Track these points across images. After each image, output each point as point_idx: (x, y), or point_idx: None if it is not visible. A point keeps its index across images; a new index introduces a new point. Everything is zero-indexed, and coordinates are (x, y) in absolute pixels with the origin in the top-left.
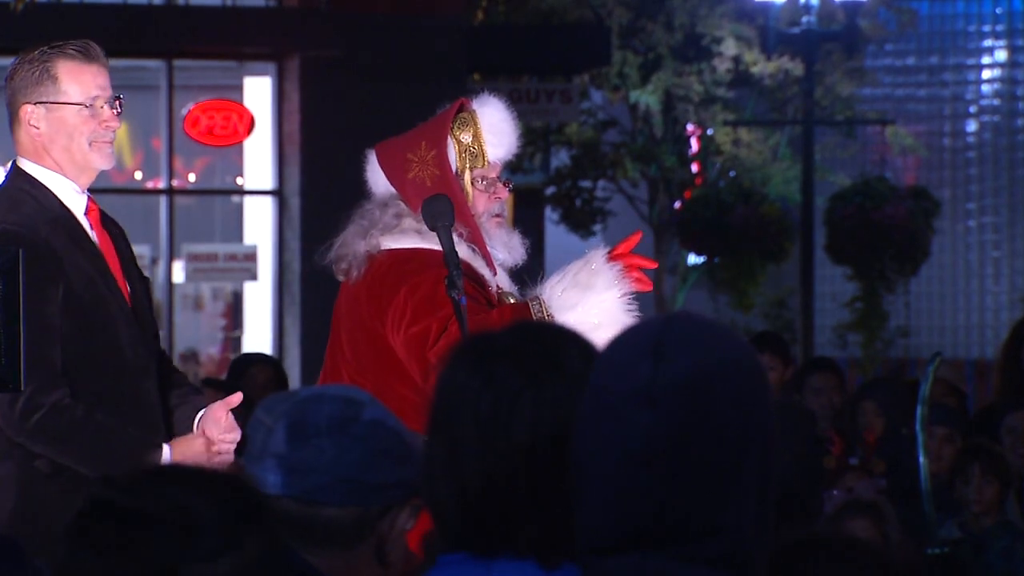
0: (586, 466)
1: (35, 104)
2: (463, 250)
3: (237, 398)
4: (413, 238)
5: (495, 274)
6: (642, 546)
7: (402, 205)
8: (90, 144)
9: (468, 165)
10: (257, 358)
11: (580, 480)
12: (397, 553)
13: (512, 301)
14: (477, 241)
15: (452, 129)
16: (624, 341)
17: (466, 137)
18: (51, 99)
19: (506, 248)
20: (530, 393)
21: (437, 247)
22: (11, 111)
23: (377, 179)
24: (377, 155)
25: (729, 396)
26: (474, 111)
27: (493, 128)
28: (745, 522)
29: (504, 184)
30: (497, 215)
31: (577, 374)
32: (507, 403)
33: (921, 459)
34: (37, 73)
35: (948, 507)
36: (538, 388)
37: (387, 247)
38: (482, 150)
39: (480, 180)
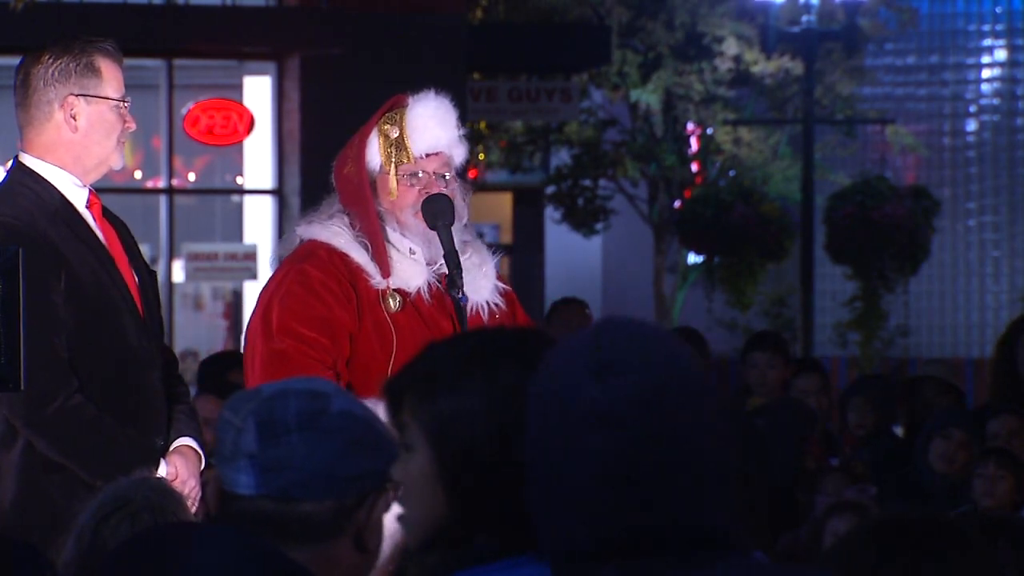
0: (546, 485)
1: (76, 96)
2: (354, 244)
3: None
4: (327, 232)
5: (388, 275)
6: (617, 555)
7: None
8: (116, 143)
9: (394, 160)
10: (238, 358)
11: (541, 496)
12: (376, 539)
13: (396, 302)
14: (372, 235)
15: (380, 124)
16: (560, 360)
17: (392, 132)
18: (94, 92)
19: (427, 245)
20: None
21: (343, 243)
22: (38, 101)
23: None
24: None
25: (677, 402)
26: (405, 107)
27: (416, 122)
28: (720, 522)
29: (438, 179)
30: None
31: (508, 386)
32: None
33: None
34: (81, 65)
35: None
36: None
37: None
38: (406, 144)
39: (406, 175)
